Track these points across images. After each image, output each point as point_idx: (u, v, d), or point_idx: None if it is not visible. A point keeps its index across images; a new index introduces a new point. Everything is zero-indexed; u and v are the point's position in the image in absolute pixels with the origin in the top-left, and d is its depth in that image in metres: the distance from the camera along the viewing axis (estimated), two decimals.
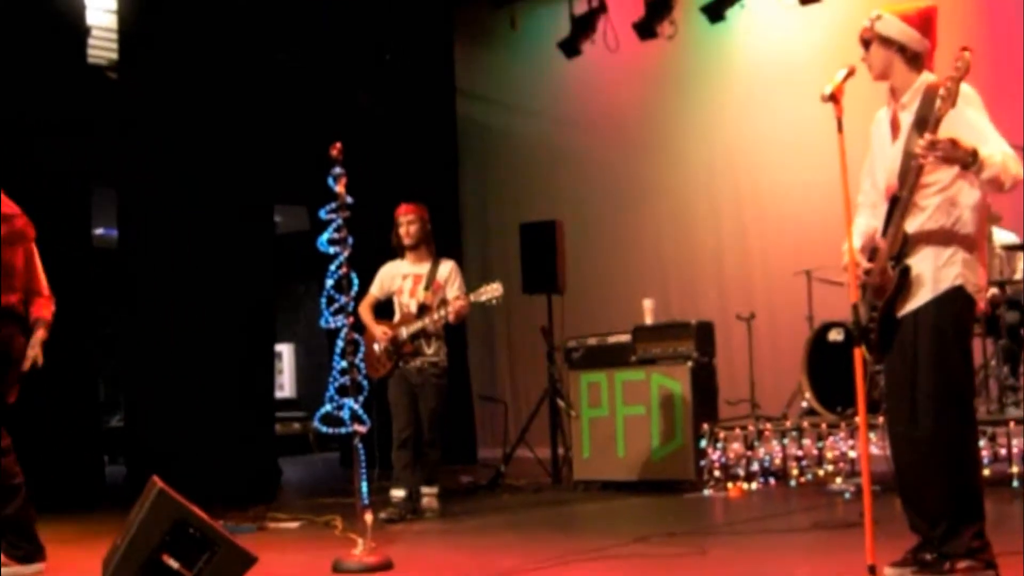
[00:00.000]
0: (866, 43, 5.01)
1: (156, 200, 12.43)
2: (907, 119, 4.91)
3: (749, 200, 12.53)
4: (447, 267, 8.75)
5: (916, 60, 4.93)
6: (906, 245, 4.87)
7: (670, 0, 12.84)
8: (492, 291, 8.39)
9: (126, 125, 12.42)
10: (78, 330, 11.72)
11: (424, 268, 8.74)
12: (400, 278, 8.78)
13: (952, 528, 4.79)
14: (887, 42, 4.94)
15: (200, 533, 5.17)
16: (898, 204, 4.88)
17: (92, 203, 12.23)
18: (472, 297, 8.45)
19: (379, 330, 8.66)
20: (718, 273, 12.61)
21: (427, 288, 8.63)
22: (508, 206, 14.20)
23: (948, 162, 4.68)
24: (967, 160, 4.61)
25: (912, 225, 4.87)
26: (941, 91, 4.68)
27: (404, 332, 8.58)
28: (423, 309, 8.58)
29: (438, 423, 8.61)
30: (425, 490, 8.66)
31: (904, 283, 4.87)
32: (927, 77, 4.87)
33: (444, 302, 8.54)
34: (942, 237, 4.84)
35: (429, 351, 8.61)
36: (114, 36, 12.64)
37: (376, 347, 8.62)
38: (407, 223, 8.70)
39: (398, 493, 8.58)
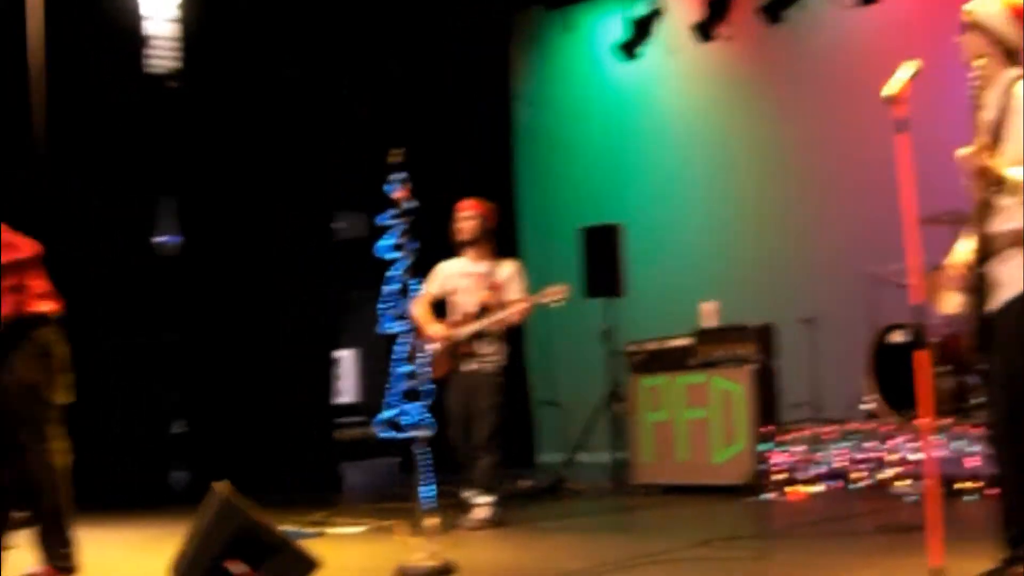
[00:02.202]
0: (964, 26, 4.91)
1: (217, 208, 12.54)
2: (987, 116, 4.81)
3: (811, 202, 12.45)
4: (509, 267, 8.53)
5: (1010, 54, 4.80)
6: (988, 245, 4.79)
7: (728, 2, 12.81)
8: (556, 293, 8.20)
9: (188, 133, 12.54)
10: (142, 337, 11.85)
11: (484, 267, 8.49)
12: (459, 276, 8.54)
13: None
14: (983, 30, 4.83)
15: (264, 538, 5.20)
16: (976, 204, 4.83)
17: (155, 211, 12.36)
18: (535, 299, 8.28)
19: (435, 330, 8.43)
20: (780, 275, 12.52)
21: (488, 288, 8.40)
22: (566, 210, 14.18)
23: (980, 181, 4.65)
24: (994, 188, 4.59)
25: (992, 226, 4.79)
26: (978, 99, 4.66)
27: (462, 333, 8.37)
28: (483, 310, 8.36)
29: (492, 426, 8.28)
30: (478, 500, 8.29)
31: (985, 286, 4.81)
32: (1013, 73, 4.73)
33: (505, 302, 8.32)
34: (1021, 237, 4.76)
35: (486, 352, 8.39)
36: (176, 45, 12.76)
37: (432, 348, 8.36)
38: (463, 219, 8.48)
39: (471, 496, 8.41)
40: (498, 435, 8.35)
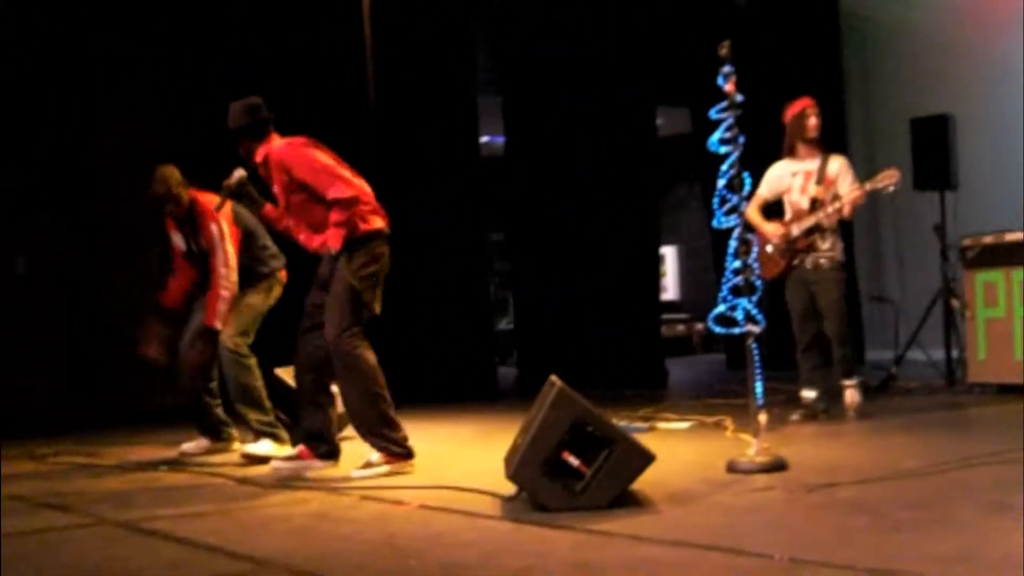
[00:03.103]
0: None
1: (540, 106, 12.68)
2: None
3: None
4: (837, 162, 8.50)
5: None
6: None
7: None
8: (888, 177, 8.14)
9: (509, 36, 12.68)
10: (469, 237, 12.15)
11: (814, 165, 8.50)
12: (790, 176, 8.57)
13: None
14: None
15: (600, 431, 5.25)
16: None
17: (478, 112, 12.57)
18: (868, 186, 8.21)
19: (770, 229, 8.53)
20: None
21: (819, 183, 8.41)
22: (895, 101, 13.77)
23: None
24: None
25: None
26: None
27: (797, 229, 8.44)
28: (815, 204, 8.39)
29: (841, 319, 8.40)
30: (847, 382, 8.48)
31: None
32: None
33: (836, 196, 8.32)
34: None
35: (824, 246, 8.42)
36: None
37: (768, 247, 8.49)
38: (814, 115, 8.49)
39: (808, 394, 8.51)
40: (848, 327, 8.52)
